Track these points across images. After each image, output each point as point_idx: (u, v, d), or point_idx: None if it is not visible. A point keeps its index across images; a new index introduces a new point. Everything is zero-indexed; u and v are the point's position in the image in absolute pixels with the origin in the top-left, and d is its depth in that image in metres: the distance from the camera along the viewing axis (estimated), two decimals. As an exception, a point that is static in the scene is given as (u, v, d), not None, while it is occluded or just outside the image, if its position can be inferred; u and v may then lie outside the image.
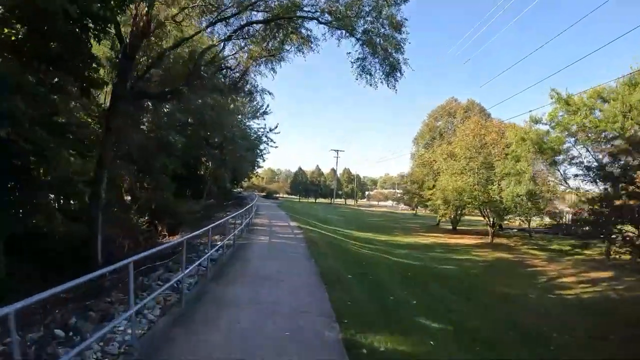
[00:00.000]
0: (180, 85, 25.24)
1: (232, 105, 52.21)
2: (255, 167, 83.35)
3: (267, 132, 61.62)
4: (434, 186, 55.50)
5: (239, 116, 53.97)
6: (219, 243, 19.44)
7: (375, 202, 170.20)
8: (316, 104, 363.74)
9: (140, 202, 37.16)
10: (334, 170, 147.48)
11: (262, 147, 65.34)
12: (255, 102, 57.76)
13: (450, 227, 59.23)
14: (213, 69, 28.48)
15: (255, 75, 31.45)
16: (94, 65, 17.49)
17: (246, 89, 31.48)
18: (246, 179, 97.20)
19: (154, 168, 38.43)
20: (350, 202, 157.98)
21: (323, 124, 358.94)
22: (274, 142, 63.64)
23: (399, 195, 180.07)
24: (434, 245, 43.29)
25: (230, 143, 50.68)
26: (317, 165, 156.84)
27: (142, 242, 28.23)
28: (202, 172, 56.93)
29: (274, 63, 29.81)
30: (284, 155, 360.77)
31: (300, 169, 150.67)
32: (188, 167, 49.20)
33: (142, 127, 39.85)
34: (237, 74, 30.20)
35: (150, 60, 25.98)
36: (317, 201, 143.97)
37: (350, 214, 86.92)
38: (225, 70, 30.21)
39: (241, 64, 29.82)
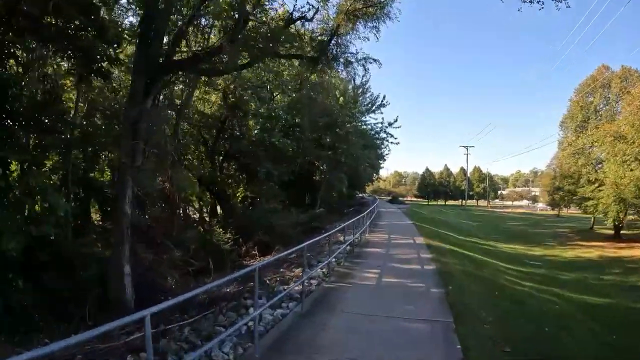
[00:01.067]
0: (222, 42, 16.28)
1: (341, 99, 44.54)
2: (378, 168, 73.42)
3: (386, 126, 52.58)
4: (595, 180, 44.43)
5: (353, 110, 45.36)
6: (287, 288, 12.84)
7: (509, 203, 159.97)
8: (440, 95, 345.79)
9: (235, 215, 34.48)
10: (463, 170, 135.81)
11: (381, 143, 56.47)
12: (368, 95, 49.71)
13: (610, 231, 49.09)
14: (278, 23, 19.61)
15: (351, 39, 21.53)
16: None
17: (341, 59, 21.42)
18: (369, 183, 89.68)
19: (258, 175, 36.19)
20: (481, 203, 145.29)
21: (450, 117, 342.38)
22: (395, 138, 54.18)
23: (534, 194, 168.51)
24: (604, 261, 33.63)
25: (344, 141, 42.72)
26: (445, 165, 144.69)
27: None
28: (316, 178, 49.59)
29: (376, 19, 20.55)
30: (409, 158, 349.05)
31: (427, 169, 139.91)
32: (299, 173, 44.49)
33: (236, 130, 38.33)
34: (325, 36, 21.12)
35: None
36: (446, 203, 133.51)
37: (487, 218, 77.73)
38: (302, 25, 21.29)
39: (329, 22, 20.91)
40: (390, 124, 51.18)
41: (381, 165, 77.35)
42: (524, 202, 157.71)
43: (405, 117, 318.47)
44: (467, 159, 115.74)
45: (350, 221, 23.69)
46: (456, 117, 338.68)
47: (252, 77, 35.00)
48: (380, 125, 51.28)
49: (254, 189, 40.26)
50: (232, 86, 33.44)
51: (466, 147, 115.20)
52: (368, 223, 29.56)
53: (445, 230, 39.92)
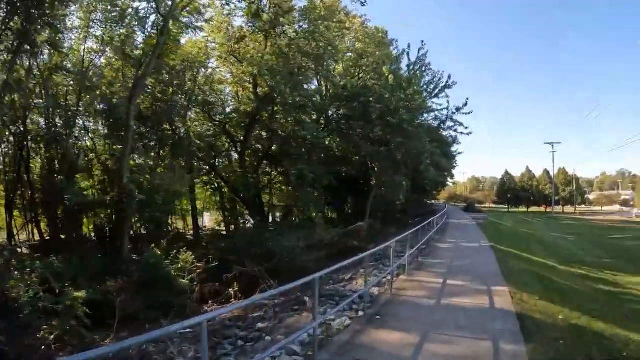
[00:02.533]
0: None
1: (391, 77, 33.89)
2: (448, 168, 60.28)
3: (453, 112, 39.96)
4: None
5: (408, 92, 34.14)
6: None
7: (598, 208, 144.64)
8: (520, 90, 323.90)
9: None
10: (547, 172, 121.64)
11: (449, 136, 44.68)
12: (428, 75, 37.89)
13: None
14: None
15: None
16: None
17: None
18: (440, 188, 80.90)
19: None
20: (567, 209, 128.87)
21: (532, 114, 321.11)
22: (466, 128, 41.45)
23: (624, 197, 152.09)
24: None
25: (399, 133, 32.24)
26: (527, 167, 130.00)
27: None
28: (372, 180, 39.52)
29: None
30: (488, 163, 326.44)
31: (506, 173, 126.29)
32: (347, 176, 39.49)
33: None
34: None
35: None
36: (528, 210, 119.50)
37: (582, 229, 63.26)
38: None
39: None
40: (458, 109, 38.84)
41: (454, 164, 64.77)
42: (615, 207, 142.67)
43: (482, 117, 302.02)
44: (553, 158, 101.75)
45: (378, 248, 15.53)
46: (538, 114, 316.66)
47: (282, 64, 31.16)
48: (445, 112, 39.26)
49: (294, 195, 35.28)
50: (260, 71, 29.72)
51: (552, 144, 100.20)
52: (429, 237, 19.81)
53: (538, 257, 27.45)
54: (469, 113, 38.36)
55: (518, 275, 17.03)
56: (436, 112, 38.91)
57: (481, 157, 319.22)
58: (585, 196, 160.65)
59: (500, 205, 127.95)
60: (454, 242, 28.41)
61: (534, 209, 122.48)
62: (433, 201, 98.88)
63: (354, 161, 39.99)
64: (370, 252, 13.04)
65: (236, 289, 20.12)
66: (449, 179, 72.54)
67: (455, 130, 39.89)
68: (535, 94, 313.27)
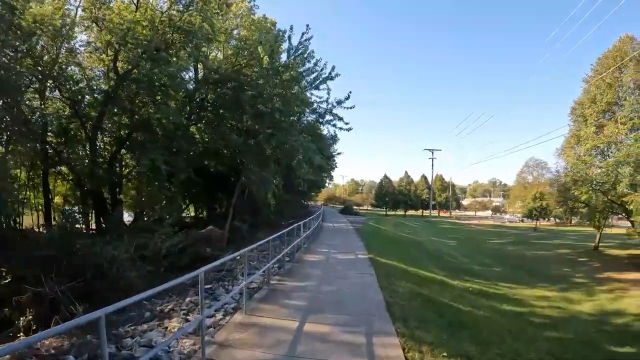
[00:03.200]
0: None
1: (265, 58, 28.98)
2: (327, 169, 57.75)
3: (333, 106, 35.32)
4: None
5: (284, 78, 29.50)
6: None
7: (471, 213, 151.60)
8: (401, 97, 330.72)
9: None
10: (425, 178, 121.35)
11: (328, 129, 40.26)
12: (309, 64, 33.34)
13: (619, 252, 42.50)
14: None
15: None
16: None
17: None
18: (318, 190, 78.82)
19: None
20: (443, 213, 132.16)
21: (413, 123, 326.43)
22: (346, 123, 36.88)
23: (495, 204, 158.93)
24: None
25: (271, 124, 27.66)
26: (406, 172, 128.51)
27: None
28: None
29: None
30: (368, 167, 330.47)
31: (385, 177, 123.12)
32: (216, 171, 35.47)
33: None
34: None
35: None
36: (406, 214, 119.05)
37: (461, 234, 62.98)
38: None
39: None
40: (339, 102, 34.53)
41: (333, 165, 61.61)
42: (487, 213, 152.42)
43: (362, 123, 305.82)
44: (432, 164, 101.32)
45: (223, 259, 10.42)
46: (419, 122, 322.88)
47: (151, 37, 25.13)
48: (325, 105, 34.82)
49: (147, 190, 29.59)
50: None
51: (432, 151, 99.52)
52: (269, 265, 14.43)
53: (428, 270, 22.89)
54: (351, 107, 34.00)
55: (409, 306, 12.06)
56: (316, 105, 34.53)
57: (361, 162, 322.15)
58: (460, 202, 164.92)
59: (378, 208, 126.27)
60: (326, 253, 22.81)
61: (411, 212, 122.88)
62: (311, 202, 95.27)
63: (224, 155, 34.96)
64: (204, 268, 7.99)
65: (30, 317, 14.26)
66: (327, 180, 69.82)
67: (335, 126, 35.32)
68: (419, 102, 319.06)
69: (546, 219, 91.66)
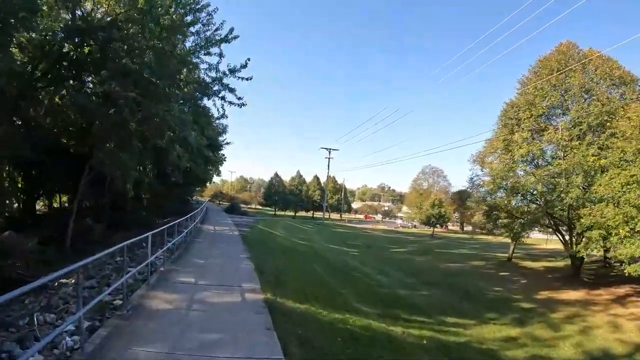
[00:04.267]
0: None
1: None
2: (215, 159, 50.39)
3: (225, 74, 26.46)
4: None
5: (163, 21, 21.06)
6: None
7: (361, 216, 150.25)
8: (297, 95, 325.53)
9: None
10: (317, 178, 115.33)
11: (215, 104, 31.68)
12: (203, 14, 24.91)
13: (536, 265, 39.53)
14: None
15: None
16: None
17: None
18: (203, 186, 73.22)
19: None
20: (334, 216, 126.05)
21: (308, 121, 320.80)
22: (239, 98, 28.02)
23: (385, 209, 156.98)
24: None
25: (136, 83, 19.22)
26: (298, 171, 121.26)
27: None
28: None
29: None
30: (258, 164, 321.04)
31: (276, 175, 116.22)
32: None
33: None
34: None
35: None
36: (296, 215, 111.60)
37: (363, 242, 55.67)
38: None
39: None
40: (233, 71, 26.25)
41: (221, 157, 54.98)
42: (378, 217, 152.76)
43: (255, 119, 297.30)
44: (328, 163, 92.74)
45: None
46: (313, 122, 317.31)
47: None
48: (214, 73, 26.42)
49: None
50: None
51: (328, 150, 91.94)
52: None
53: (347, 307, 15.17)
54: (248, 79, 25.97)
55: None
56: (202, 72, 26.01)
57: (252, 159, 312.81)
58: (351, 205, 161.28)
59: (267, 208, 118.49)
60: (191, 288, 12.74)
61: (301, 213, 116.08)
62: (198, 198, 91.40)
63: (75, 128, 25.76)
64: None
65: None
66: (214, 174, 62.16)
67: (223, 99, 26.82)
68: (316, 100, 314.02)
69: (444, 226, 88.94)
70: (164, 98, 21.04)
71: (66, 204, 32.15)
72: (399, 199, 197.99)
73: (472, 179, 41.30)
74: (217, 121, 30.72)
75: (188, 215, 25.48)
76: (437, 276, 31.16)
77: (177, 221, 20.17)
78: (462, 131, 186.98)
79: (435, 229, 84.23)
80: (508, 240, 41.31)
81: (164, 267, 15.36)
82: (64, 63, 21.44)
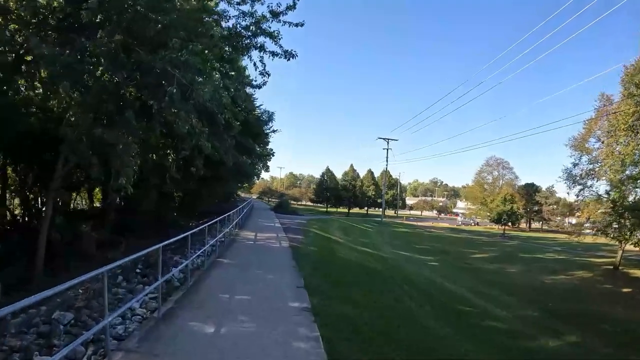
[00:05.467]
0: None
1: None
2: (264, 156, 46.50)
3: (266, 17, 18.00)
4: None
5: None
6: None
7: (418, 213, 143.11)
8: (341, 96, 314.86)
9: None
10: (371, 172, 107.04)
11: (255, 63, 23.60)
12: None
13: None
14: None
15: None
16: None
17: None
18: (247, 182, 63.01)
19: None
20: (388, 212, 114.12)
21: (360, 114, 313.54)
22: (287, 51, 19.63)
23: (441, 204, 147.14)
24: None
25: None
26: (352, 165, 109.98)
27: None
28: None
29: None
30: (308, 161, 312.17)
31: (327, 169, 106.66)
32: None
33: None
34: None
35: None
36: (349, 212, 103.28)
37: (428, 243, 48.76)
38: None
39: None
40: (276, 14, 18.14)
41: (268, 150, 47.69)
42: (433, 213, 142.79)
43: (304, 116, 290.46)
44: (387, 155, 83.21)
45: None
46: (366, 115, 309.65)
47: None
48: (248, 20, 18.36)
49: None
50: None
51: (387, 140, 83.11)
52: None
53: None
54: (298, 25, 17.70)
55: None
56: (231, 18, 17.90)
57: (301, 156, 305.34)
58: (406, 200, 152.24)
59: (319, 204, 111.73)
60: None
61: (354, 210, 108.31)
62: (245, 195, 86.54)
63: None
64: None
65: None
66: (262, 170, 54.08)
67: (262, 49, 18.45)
68: (369, 93, 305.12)
69: (516, 224, 79.05)
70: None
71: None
72: (453, 193, 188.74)
73: (569, 170, 32.98)
74: (255, 81, 22.05)
75: (213, 221, 17.41)
76: (556, 301, 22.47)
77: (190, 232, 12.45)
78: (527, 120, 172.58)
79: (503, 227, 74.50)
80: (588, 240, 36.12)
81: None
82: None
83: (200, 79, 13.29)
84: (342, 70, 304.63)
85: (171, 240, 11.05)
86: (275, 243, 22.78)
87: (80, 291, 12.36)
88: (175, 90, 12.21)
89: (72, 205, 26.89)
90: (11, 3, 14.06)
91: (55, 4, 13.80)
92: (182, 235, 11.94)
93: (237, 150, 25.98)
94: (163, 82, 13.05)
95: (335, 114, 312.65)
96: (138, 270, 15.43)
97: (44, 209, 19.71)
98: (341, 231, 43.89)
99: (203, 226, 15.57)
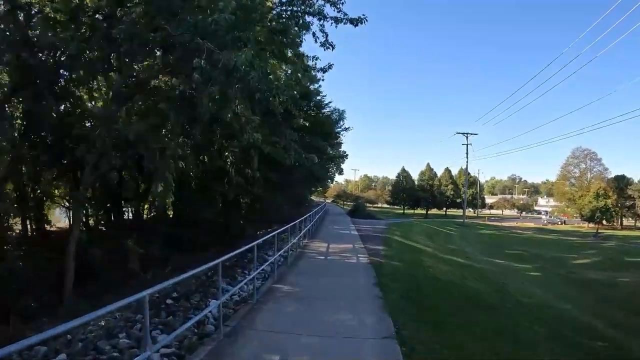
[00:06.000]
0: None
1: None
2: (338, 157, 45.94)
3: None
4: None
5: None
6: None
7: (499, 212, 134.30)
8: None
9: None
10: (449, 171, 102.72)
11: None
12: None
13: None
14: None
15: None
16: None
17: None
18: (320, 186, 63.17)
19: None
20: (467, 212, 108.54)
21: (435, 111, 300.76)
22: (355, 20, 16.70)
23: (522, 202, 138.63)
24: None
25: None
26: (428, 164, 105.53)
27: None
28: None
29: None
30: (381, 162, 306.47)
31: (403, 170, 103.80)
32: None
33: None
34: None
35: None
36: (428, 214, 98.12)
37: (520, 247, 43.40)
38: None
39: None
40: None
41: (340, 152, 47.08)
42: (514, 212, 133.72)
43: (376, 117, 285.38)
44: (466, 151, 76.05)
45: None
46: (441, 112, 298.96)
47: None
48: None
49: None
50: None
51: (466, 135, 75.54)
52: None
53: None
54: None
55: None
56: None
57: (375, 158, 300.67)
58: (485, 199, 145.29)
59: (395, 206, 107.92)
60: None
61: (432, 211, 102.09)
62: (318, 199, 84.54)
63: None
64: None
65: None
66: (336, 172, 52.70)
67: (322, 15, 14.71)
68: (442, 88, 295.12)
69: (610, 222, 72.18)
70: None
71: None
72: (533, 190, 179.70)
73: None
74: (316, 63, 18.50)
75: (271, 233, 14.00)
76: None
77: (239, 250, 10.70)
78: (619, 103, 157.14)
79: (596, 226, 68.35)
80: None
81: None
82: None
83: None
84: (411, 62, 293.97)
85: (205, 266, 7.99)
86: (351, 257, 18.63)
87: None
88: (203, 63, 8.95)
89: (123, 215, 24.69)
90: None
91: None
92: (232, 253, 9.59)
93: (306, 151, 22.95)
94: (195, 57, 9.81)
95: (408, 110, 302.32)
96: (165, 305, 12.03)
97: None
98: (425, 237, 39.48)
99: (252, 244, 12.00)
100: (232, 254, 9.55)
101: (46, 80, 12.69)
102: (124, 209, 24.66)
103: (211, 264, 8.14)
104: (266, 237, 13.40)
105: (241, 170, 21.79)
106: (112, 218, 23.02)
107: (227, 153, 20.38)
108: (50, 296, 13.70)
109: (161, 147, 12.05)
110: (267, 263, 13.24)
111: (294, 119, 16.45)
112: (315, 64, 17.05)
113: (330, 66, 16.98)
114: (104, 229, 22.25)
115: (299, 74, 17.16)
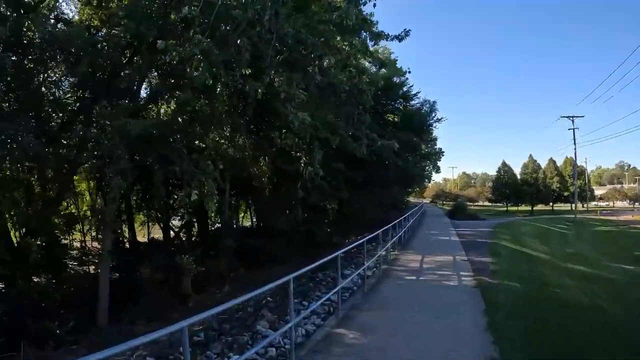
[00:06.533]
0: None
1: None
2: (436, 156, 46.45)
3: None
4: None
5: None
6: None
7: (608, 204, 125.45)
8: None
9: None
10: (553, 162, 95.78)
11: None
12: None
13: None
14: None
15: None
16: None
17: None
18: (411, 179, 56.37)
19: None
20: (572, 206, 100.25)
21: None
22: None
23: (635, 192, 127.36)
24: None
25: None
26: (531, 155, 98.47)
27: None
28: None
29: None
30: (480, 157, 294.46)
31: (504, 164, 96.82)
32: None
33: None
34: None
35: None
36: (533, 210, 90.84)
37: None
38: None
39: None
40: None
41: (435, 149, 46.42)
42: (625, 203, 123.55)
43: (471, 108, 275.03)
44: (574, 136, 67.19)
45: None
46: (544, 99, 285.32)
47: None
48: None
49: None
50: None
51: (572, 119, 66.59)
52: None
53: None
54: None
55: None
56: None
57: (472, 154, 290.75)
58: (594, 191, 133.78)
59: (497, 203, 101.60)
60: None
61: (538, 207, 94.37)
62: (413, 200, 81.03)
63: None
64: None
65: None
66: (433, 171, 52.94)
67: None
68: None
69: None
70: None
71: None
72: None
73: None
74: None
75: (347, 248, 10.92)
76: None
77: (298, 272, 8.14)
78: None
79: None
80: None
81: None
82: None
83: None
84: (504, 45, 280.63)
85: (240, 299, 6.48)
86: (450, 277, 14.37)
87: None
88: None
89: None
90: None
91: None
92: (272, 285, 6.94)
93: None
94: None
95: (504, 101, 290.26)
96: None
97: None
98: (536, 239, 33.53)
99: (321, 261, 8.69)
100: (270, 285, 6.77)
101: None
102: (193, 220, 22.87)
103: (246, 296, 6.61)
104: (336, 252, 9.83)
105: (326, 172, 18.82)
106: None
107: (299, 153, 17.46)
108: (82, 320, 13.18)
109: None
110: (332, 292, 9.46)
111: (363, 95, 12.81)
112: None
113: (407, 32, 13.79)
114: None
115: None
